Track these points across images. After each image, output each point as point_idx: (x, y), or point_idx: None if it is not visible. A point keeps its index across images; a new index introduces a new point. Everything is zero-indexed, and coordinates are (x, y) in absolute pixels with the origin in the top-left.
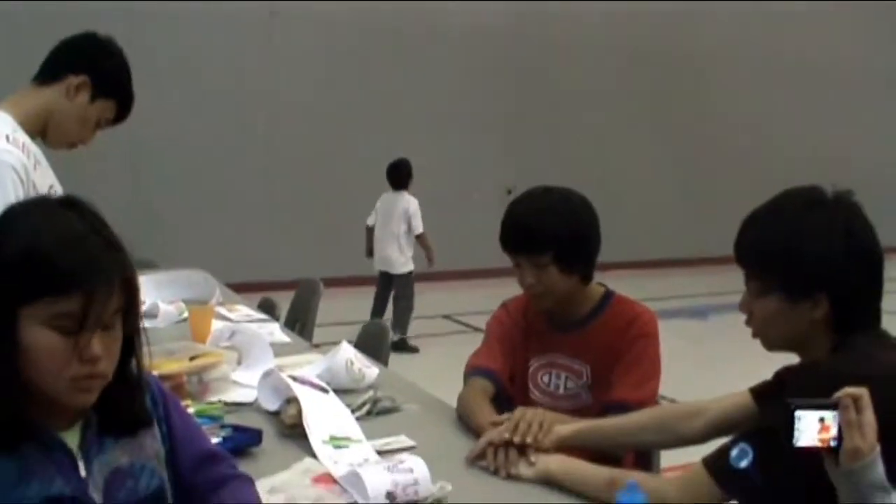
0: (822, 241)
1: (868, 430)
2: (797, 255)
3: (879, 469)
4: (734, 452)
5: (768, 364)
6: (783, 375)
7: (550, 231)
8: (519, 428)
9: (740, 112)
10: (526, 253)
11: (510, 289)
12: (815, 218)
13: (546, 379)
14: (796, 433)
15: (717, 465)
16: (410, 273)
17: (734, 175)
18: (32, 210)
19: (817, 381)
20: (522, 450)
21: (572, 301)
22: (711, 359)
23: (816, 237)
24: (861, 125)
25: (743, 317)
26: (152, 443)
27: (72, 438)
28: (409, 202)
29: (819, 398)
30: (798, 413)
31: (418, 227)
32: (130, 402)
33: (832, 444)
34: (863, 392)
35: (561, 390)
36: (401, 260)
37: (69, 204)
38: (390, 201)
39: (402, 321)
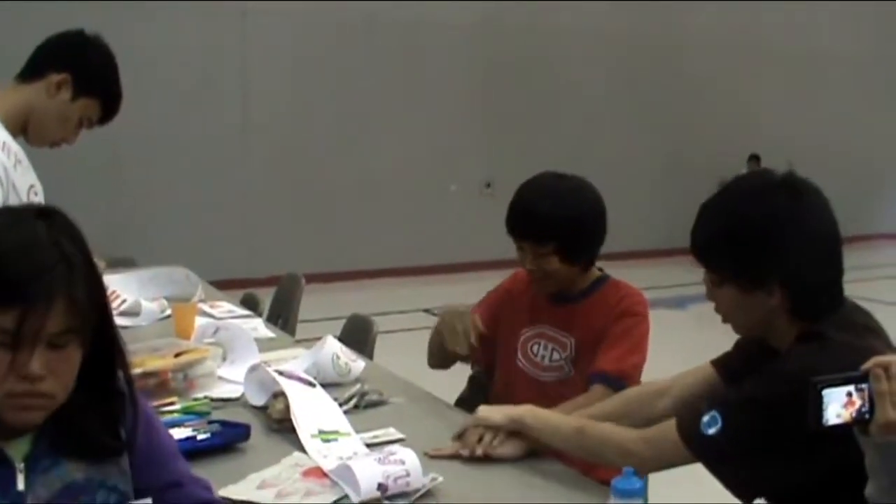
0: (765, 230)
1: None
2: (742, 247)
3: None
4: (705, 418)
5: None
6: (743, 345)
7: (556, 221)
8: (469, 441)
9: (719, 102)
10: (529, 240)
11: (489, 283)
12: (757, 207)
13: (535, 349)
14: (824, 413)
15: (688, 427)
16: None
17: (715, 164)
18: (3, 216)
19: (784, 384)
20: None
21: (571, 283)
22: (691, 349)
23: (759, 227)
24: (847, 114)
25: None
26: (116, 457)
27: (18, 448)
28: None
29: (844, 372)
30: (825, 392)
31: None
32: (98, 428)
33: (862, 416)
34: (893, 360)
35: (546, 361)
36: None
37: (44, 213)
38: None
39: None
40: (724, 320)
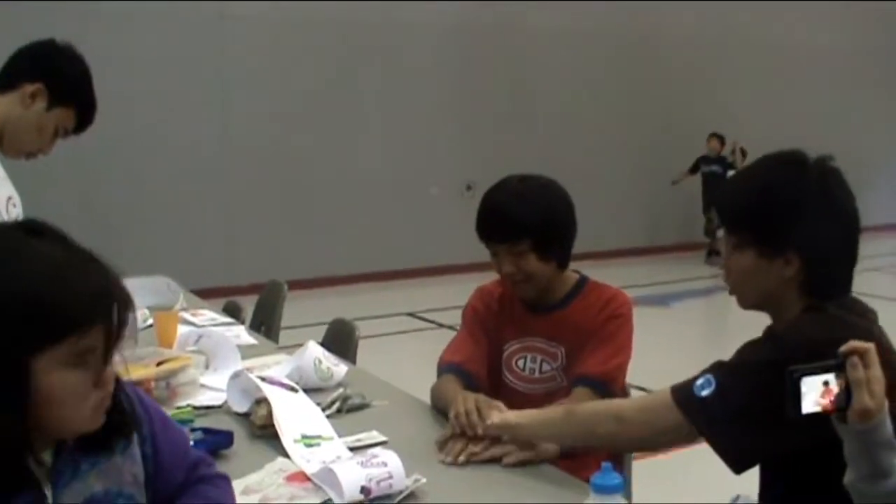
0: (794, 197)
1: (877, 388)
2: (768, 211)
3: (888, 427)
4: (699, 381)
5: (733, 348)
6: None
7: (527, 218)
8: (459, 422)
9: (699, 101)
10: (504, 241)
11: (471, 285)
12: (788, 175)
13: (521, 363)
14: (803, 401)
15: (681, 390)
16: None
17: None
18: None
19: (779, 350)
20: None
21: (549, 286)
22: (675, 346)
23: (788, 193)
24: (833, 113)
25: (704, 303)
26: (131, 466)
27: (42, 466)
28: None
29: (821, 361)
30: (803, 380)
31: None
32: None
33: (840, 404)
34: (869, 347)
35: (537, 374)
36: None
37: (32, 230)
38: None
39: None
40: (733, 291)
